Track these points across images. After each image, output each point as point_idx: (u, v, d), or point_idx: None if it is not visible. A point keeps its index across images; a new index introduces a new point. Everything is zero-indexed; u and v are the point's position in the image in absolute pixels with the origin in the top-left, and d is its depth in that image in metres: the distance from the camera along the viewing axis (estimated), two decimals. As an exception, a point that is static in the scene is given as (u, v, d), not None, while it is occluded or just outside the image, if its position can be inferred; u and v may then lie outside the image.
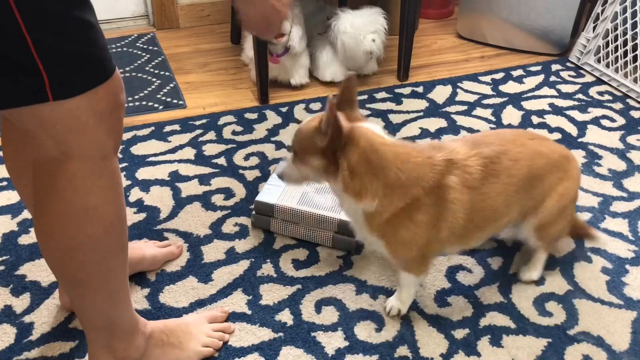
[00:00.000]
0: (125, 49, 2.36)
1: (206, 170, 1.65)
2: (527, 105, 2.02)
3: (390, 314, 1.22)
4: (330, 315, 1.23)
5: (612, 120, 1.94)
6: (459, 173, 1.07)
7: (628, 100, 2.06)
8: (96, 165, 0.83)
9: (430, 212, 1.06)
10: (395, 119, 1.92)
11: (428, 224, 1.07)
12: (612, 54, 2.14)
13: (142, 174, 1.63)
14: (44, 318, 1.20)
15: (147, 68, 2.22)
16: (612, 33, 2.14)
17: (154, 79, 2.14)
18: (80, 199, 0.83)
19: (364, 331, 1.19)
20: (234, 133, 1.82)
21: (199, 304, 1.24)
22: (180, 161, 1.69)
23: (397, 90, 2.09)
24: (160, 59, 2.29)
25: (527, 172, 1.15)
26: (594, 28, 2.20)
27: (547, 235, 1.26)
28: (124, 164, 1.66)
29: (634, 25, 2.06)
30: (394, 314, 1.22)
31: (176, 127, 1.85)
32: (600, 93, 2.10)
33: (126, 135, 1.79)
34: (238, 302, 1.25)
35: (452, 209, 1.07)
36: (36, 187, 0.85)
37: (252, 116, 1.91)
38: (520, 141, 1.18)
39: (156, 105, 1.98)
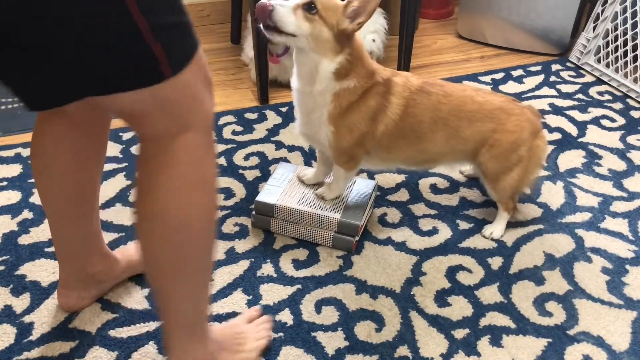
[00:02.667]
0: (125, 49, 2.36)
1: (206, 170, 1.65)
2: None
3: (324, 197, 1.40)
4: (330, 315, 1.23)
5: (612, 120, 1.94)
6: (403, 79, 1.33)
7: (628, 100, 2.06)
8: (207, 136, 0.84)
9: (377, 100, 1.29)
10: (395, 119, 1.92)
11: (373, 111, 1.30)
12: (612, 54, 2.14)
13: (142, 174, 1.62)
14: (44, 318, 1.20)
15: (147, 68, 2.21)
16: (612, 33, 2.14)
17: (154, 79, 2.14)
18: (198, 170, 0.83)
19: (364, 331, 1.19)
20: (234, 133, 1.82)
21: (199, 304, 1.24)
22: (180, 161, 1.68)
23: (397, 90, 2.09)
24: (160, 59, 2.29)
25: (455, 108, 1.33)
26: (594, 28, 2.20)
27: (497, 187, 1.40)
28: (123, 164, 1.66)
29: (634, 25, 2.06)
30: (328, 199, 1.40)
31: (176, 127, 1.84)
32: (600, 93, 2.10)
33: (126, 135, 1.79)
34: (238, 302, 1.25)
35: (392, 102, 1.30)
36: (147, 167, 0.83)
37: (252, 116, 1.91)
38: (464, 87, 1.41)
39: (156, 105, 1.98)
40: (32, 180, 1.57)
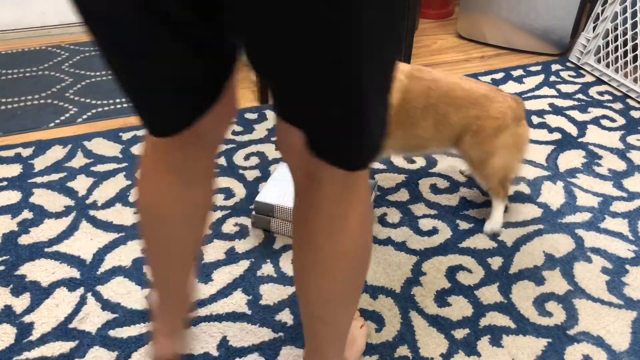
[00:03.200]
0: (125, 49, 2.36)
1: (206, 170, 1.65)
2: (527, 105, 2.02)
3: None
4: (330, 315, 1.23)
5: (612, 120, 1.94)
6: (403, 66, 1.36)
7: (628, 100, 2.06)
8: None
9: None
10: (395, 119, 1.92)
11: None
12: (612, 54, 2.14)
13: (142, 174, 1.63)
14: (44, 318, 1.20)
15: (147, 68, 2.22)
16: (612, 33, 2.14)
17: (154, 79, 2.14)
18: (369, 202, 0.81)
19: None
20: (234, 133, 1.82)
21: (199, 304, 1.24)
22: (180, 161, 1.68)
23: (397, 90, 2.09)
24: (160, 59, 2.29)
25: (444, 94, 1.35)
26: (594, 28, 2.20)
27: (484, 174, 1.41)
28: (123, 164, 1.66)
29: (634, 25, 2.06)
30: None
31: (176, 127, 1.84)
32: (600, 93, 2.10)
33: (126, 135, 1.79)
34: (238, 302, 1.25)
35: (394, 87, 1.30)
36: (334, 207, 0.76)
37: (252, 116, 1.91)
38: (447, 73, 1.42)
39: (156, 105, 1.98)
40: (32, 180, 1.58)
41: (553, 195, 1.59)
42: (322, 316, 0.88)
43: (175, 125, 0.74)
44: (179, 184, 0.82)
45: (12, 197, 1.53)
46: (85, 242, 1.39)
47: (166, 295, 1.01)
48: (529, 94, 2.09)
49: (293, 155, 0.76)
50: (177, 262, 0.94)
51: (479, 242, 1.43)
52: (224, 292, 1.27)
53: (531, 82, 2.17)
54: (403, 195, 1.58)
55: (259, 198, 1.41)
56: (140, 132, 1.80)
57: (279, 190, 1.43)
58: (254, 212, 1.43)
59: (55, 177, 1.60)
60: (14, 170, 1.62)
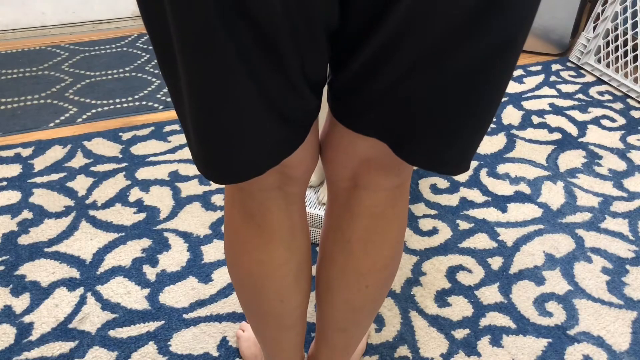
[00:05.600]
0: (125, 49, 2.36)
1: (206, 170, 1.65)
2: (527, 105, 2.02)
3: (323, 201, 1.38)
4: (330, 315, 1.22)
5: (613, 120, 1.94)
6: None
7: (628, 100, 2.06)
8: None
9: None
10: (395, 119, 1.92)
11: None
12: (612, 54, 2.14)
13: (142, 174, 1.63)
14: (44, 318, 1.20)
15: (147, 68, 2.22)
16: (612, 33, 2.14)
17: (154, 79, 2.14)
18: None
19: (364, 331, 1.19)
20: (234, 133, 1.82)
21: (199, 304, 1.24)
22: (180, 161, 1.69)
23: (397, 90, 2.09)
24: (160, 59, 2.29)
25: None
26: (594, 28, 2.20)
27: None
28: (123, 164, 1.66)
29: (634, 25, 2.06)
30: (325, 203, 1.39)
31: (176, 127, 1.85)
32: (601, 93, 2.10)
33: (126, 135, 1.79)
34: (238, 302, 1.25)
35: None
36: (377, 219, 0.73)
37: (252, 116, 1.91)
38: None
39: (156, 105, 1.98)
40: (32, 180, 1.58)
41: (553, 195, 1.59)
42: (345, 327, 0.85)
43: (261, 166, 0.62)
44: (284, 249, 0.73)
45: (12, 197, 1.53)
46: (85, 242, 1.39)
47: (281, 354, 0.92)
48: (529, 94, 2.09)
49: (338, 165, 0.71)
50: (288, 322, 0.84)
51: (479, 242, 1.43)
52: (224, 292, 1.27)
53: (531, 82, 2.17)
54: (403, 195, 1.58)
55: (259, 198, 1.41)
56: (141, 132, 1.80)
57: (279, 190, 1.43)
58: (253, 212, 1.43)
59: (55, 177, 1.60)
60: (14, 170, 1.62)
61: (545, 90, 2.11)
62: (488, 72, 0.55)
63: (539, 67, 2.27)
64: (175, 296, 1.26)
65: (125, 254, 1.36)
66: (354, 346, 0.92)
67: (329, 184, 0.76)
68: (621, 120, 1.94)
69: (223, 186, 1.58)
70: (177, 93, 0.58)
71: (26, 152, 1.70)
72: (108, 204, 1.51)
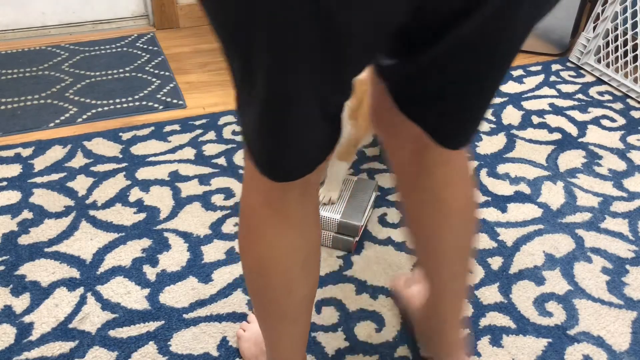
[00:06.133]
0: (125, 49, 2.36)
1: (206, 170, 1.65)
2: (527, 105, 2.02)
3: (332, 201, 1.41)
4: (330, 315, 1.22)
5: (612, 120, 1.94)
6: None
7: (628, 100, 2.06)
8: None
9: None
10: (395, 119, 1.92)
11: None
12: (612, 54, 2.14)
13: (142, 174, 1.63)
14: (44, 318, 1.20)
15: (147, 68, 2.22)
16: (612, 33, 2.14)
17: (154, 79, 2.14)
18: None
19: (364, 331, 1.19)
20: (234, 133, 1.82)
21: (199, 304, 1.24)
22: (180, 161, 1.69)
23: (397, 90, 2.09)
24: (160, 59, 2.29)
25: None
26: (594, 28, 2.20)
27: None
28: (123, 164, 1.66)
29: (634, 25, 2.06)
30: (336, 199, 1.41)
31: (176, 127, 1.85)
32: (601, 93, 2.10)
33: (126, 135, 1.79)
34: (238, 302, 1.25)
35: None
36: (444, 169, 0.82)
37: (252, 116, 1.91)
38: None
39: (156, 105, 1.98)
40: (32, 180, 1.58)
41: (553, 195, 1.59)
42: (461, 272, 0.91)
43: (312, 163, 0.68)
44: (297, 235, 0.76)
45: (12, 197, 1.53)
46: (85, 242, 1.39)
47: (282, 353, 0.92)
48: (529, 94, 2.09)
49: (398, 138, 0.80)
50: (294, 314, 0.85)
51: (478, 242, 1.43)
52: (224, 292, 1.27)
53: (531, 82, 2.17)
54: (403, 195, 1.58)
55: (259, 198, 1.41)
56: (141, 132, 1.80)
57: (279, 190, 1.43)
58: (254, 212, 1.43)
59: (55, 177, 1.60)
60: (14, 170, 1.62)
61: (545, 91, 2.11)
62: (511, 62, 0.65)
63: (538, 67, 2.27)
64: (175, 296, 1.26)
65: (126, 254, 1.36)
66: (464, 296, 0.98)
67: (393, 153, 0.82)
68: (621, 120, 1.94)
69: (223, 186, 1.58)
70: (248, 101, 0.61)
71: (26, 152, 1.70)
72: (108, 204, 1.51)
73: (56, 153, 1.71)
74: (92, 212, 1.48)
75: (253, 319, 1.14)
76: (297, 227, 0.75)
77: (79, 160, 1.67)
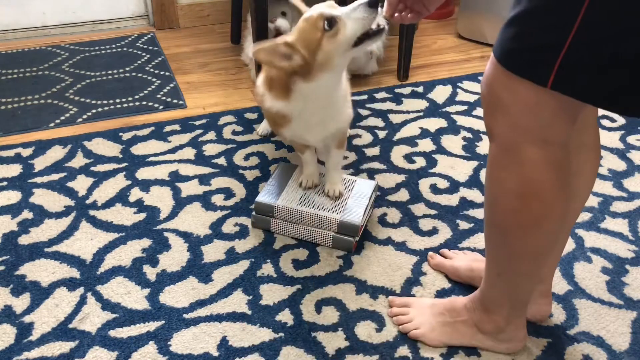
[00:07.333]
0: (125, 49, 2.36)
1: (206, 170, 1.65)
2: (527, 105, 2.02)
3: (342, 193, 1.44)
4: (330, 315, 1.23)
5: (612, 120, 1.94)
6: None
7: (628, 100, 2.06)
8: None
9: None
10: (395, 119, 1.92)
11: None
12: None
13: (142, 174, 1.63)
14: (44, 318, 1.20)
15: (147, 68, 2.22)
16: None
17: (154, 79, 2.14)
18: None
19: (364, 331, 1.19)
20: (234, 133, 1.82)
21: (199, 304, 1.24)
22: (180, 161, 1.69)
23: (397, 90, 2.09)
24: (160, 59, 2.29)
25: None
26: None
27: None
28: (123, 164, 1.66)
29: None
30: (343, 190, 1.45)
31: (176, 127, 1.85)
32: (600, 93, 2.10)
33: (126, 135, 1.79)
34: (238, 302, 1.25)
35: None
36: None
37: (252, 116, 1.91)
38: None
39: (156, 105, 1.98)
40: (32, 180, 1.58)
41: (553, 195, 1.59)
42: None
43: None
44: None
45: (12, 197, 1.53)
46: (85, 242, 1.39)
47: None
48: (529, 94, 2.09)
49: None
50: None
51: (479, 242, 1.43)
52: (224, 292, 1.27)
53: (531, 82, 2.17)
54: (403, 195, 1.58)
55: (259, 198, 1.41)
56: (141, 132, 1.80)
57: (279, 190, 1.43)
58: (254, 212, 1.43)
59: (55, 177, 1.60)
60: (14, 170, 1.63)
61: (545, 90, 2.11)
62: None
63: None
64: (175, 296, 1.26)
65: (126, 254, 1.36)
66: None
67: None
68: (621, 120, 1.94)
69: (223, 186, 1.58)
70: None
71: (26, 152, 1.71)
72: (108, 204, 1.51)
73: (56, 153, 1.71)
74: (92, 212, 1.48)
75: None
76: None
77: (79, 160, 1.67)
